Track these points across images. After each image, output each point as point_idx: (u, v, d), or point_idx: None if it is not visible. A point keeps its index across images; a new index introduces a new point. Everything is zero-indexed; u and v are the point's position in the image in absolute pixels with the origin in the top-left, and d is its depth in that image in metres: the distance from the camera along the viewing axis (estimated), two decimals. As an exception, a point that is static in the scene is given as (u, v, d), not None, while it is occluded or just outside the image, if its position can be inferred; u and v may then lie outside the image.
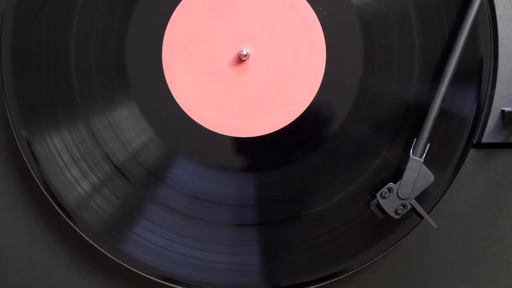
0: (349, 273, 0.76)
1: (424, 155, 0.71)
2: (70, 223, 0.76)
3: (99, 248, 0.76)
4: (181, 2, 0.74)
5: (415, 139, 0.72)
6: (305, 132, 0.75)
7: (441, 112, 0.72)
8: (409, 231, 0.76)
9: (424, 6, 0.73)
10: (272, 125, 0.75)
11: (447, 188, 0.75)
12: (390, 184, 0.72)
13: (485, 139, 0.76)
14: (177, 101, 0.75)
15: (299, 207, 0.75)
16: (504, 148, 0.77)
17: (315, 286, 0.76)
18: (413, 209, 0.72)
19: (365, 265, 0.76)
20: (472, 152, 0.77)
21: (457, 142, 0.74)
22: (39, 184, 0.76)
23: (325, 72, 0.74)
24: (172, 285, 0.76)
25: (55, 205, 0.76)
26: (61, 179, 0.75)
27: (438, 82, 0.71)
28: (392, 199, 0.72)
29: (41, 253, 0.80)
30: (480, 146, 0.77)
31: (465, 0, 0.73)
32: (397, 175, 0.73)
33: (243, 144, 0.75)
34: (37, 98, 0.74)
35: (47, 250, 0.80)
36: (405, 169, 0.71)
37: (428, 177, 0.72)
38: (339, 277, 0.76)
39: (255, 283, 0.76)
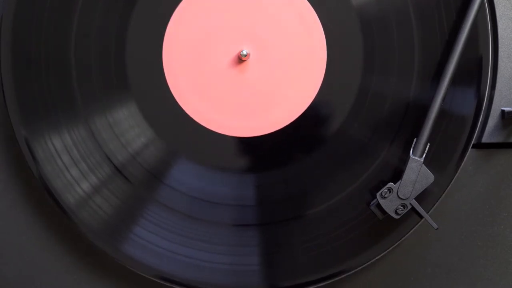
0: (349, 273, 0.76)
1: (424, 155, 0.71)
2: (70, 223, 0.76)
3: (99, 248, 0.76)
4: (181, 2, 0.74)
5: (415, 139, 0.72)
6: (305, 132, 0.75)
7: (441, 112, 0.72)
8: (409, 231, 0.76)
9: (424, 6, 0.73)
10: (272, 125, 0.75)
11: (447, 188, 0.75)
12: (390, 184, 0.72)
13: (485, 139, 0.76)
14: (177, 100, 0.75)
15: (299, 207, 0.75)
16: (504, 148, 0.77)
17: (315, 286, 0.76)
18: (413, 209, 0.72)
19: (365, 265, 0.76)
20: (472, 152, 0.77)
21: (457, 142, 0.74)
22: (39, 184, 0.76)
23: (325, 72, 0.74)
24: (172, 285, 0.76)
25: (55, 205, 0.76)
26: (61, 180, 0.75)
27: (438, 82, 0.71)
28: (392, 199, 0.72)
29: (41, 253, 0.80)
30: (480, 146, 0.77)
31: (465, 0, 0.73)
32: (397, 175, 0.73)
33: (243, 144, 0.75)
34: (37, 98, 0.74)
35: (47, 250, 0.80)
36: (405, 169, 0.71)
37: (428, 177, 0.72)
38: (339, 277, 0.76)
39: (255, 283, 0.76)
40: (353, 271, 0.76)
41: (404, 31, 0.73)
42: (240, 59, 0.74)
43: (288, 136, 0.75)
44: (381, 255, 0.76)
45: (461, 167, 0.75)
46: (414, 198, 0.72)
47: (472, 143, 0.75)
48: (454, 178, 0.75)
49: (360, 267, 0.76)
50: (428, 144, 0.72)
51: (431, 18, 0.73)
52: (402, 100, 0.74)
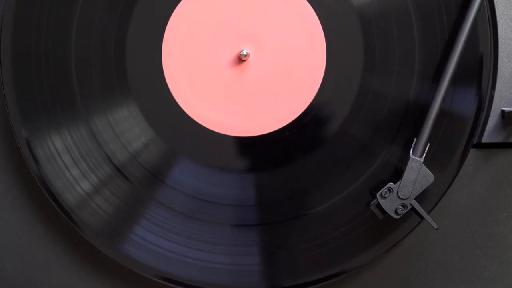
0: (349, 273, 0.76)
1: (424, 155, 0.71)
2: (70, 223, 0.76)
3: (99, 248, 0.76)
4: (181, 2, 0.74)
5: (415, 139, 0.72)
6: (305, 132, 0.75)
7: (441, 112, 0.72)
8: (409, 231, 0.76)
9: (424, 6, 0.73)
10: (272, 124, 0.75)
11: (447, 188, 0.75)
12: (390, 184, 0.72)
13: (485, 139, 0.76)
14: (177, 101, 0.75)
15: (299, 207, 0.75)
16: (504, 148, 0.77)
17: (315, 286, 0.76)
18: (413, 209, 0.72)
19: (365, 265, 0.76)
20: (472, 152, 0.77)
21: (457, 142, 0.74)
22: (39, 184, 0.76)
23: (325, 72, 0.74)
24: (172, 285, 0.76)
25: (55, 205, 0.76)
26: (61, 179, 0.75)
27: (438, 82, 0.71)
28: (392, 199, 0.72)
29: (41, 253, 0.80)
30: (480, 146, 0.77)
31: (465, 0, 0.73)
32: (397, 175, 0.73)
33: (243, 144, 0.75)
34: (37, 98, 0.74)
35: (47, 250, 0.80)
36: (405, 169, 0.71)
37: (428, 177, 0.72)
38: (339, 277, 0.76)
39: (255, 283, 0.76)
40: (353, 271, 0.76)
41: (404, 31, 0.73)
42: (240, 59, 0.74)
43: (288, 136, 0.75)
44: (381, 255, 0.76)
45: (461, 167, 0.75)
46: (414, 198, 0.72)
47: (472, 143, 0.75)
48: (454, 178, 0.75)
49: (360, 267, 0.76)
50: (428, 144, 0.71)
51: (431, 18, 0.73)
52: (402, 100, 0.74)
